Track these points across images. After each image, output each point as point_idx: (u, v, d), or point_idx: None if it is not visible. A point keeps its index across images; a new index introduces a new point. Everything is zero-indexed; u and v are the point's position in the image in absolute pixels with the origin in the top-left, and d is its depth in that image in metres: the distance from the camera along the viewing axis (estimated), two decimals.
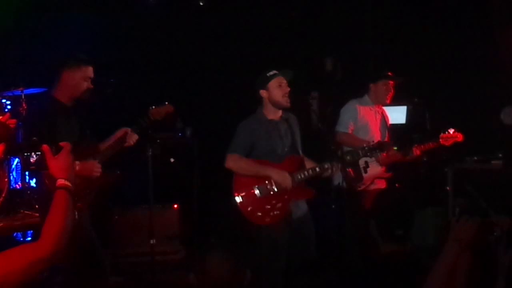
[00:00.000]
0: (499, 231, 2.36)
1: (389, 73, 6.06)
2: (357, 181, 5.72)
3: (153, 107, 4.73)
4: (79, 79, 4.38)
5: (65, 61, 4.43)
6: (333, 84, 8.03)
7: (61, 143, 2.36)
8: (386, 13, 7.90)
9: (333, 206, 5.11)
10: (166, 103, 4.80)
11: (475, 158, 6.73)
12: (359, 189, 5.78)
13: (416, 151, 5.84)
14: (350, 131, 5.91)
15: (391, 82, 6.03)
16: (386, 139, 6.05)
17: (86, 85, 4.40)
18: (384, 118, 6.16)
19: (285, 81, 4.81)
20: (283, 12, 8.01)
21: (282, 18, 8.00)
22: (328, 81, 8.11)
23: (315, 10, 8.07)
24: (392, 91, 6.05)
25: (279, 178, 4.67)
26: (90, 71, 4.43)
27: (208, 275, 5.98)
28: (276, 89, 4.79)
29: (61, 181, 2.28)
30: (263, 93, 4.84)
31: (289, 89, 4.80)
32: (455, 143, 5.87)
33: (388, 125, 6.20)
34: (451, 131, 5.86)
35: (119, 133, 4.61)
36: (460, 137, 5.86)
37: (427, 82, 7.29)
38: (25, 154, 2.35)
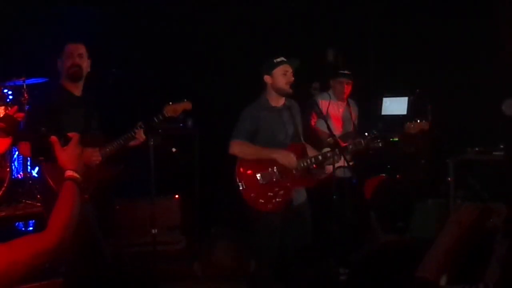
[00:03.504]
0: (496, 218, 2.38)
1: (345, 72, 6.15)
2: (320, 171, 5.70)
3: (170, 103, 4.59)
4: (64, 58, 4.40)
5: (58, 50, 4.45)
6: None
7: (70, 134, 2.36)
8: (388, 4, 7.88)
9: (334, 197, 5.12)
10: (185, 100, 4.66)
11: (477, 149, 6.72)
12: (321, 177, 5.76)
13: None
14: (312, 123, 6.00)
15: (348, 81, 6.14)
16: (351, 130, 6.15)
17: (69, 61, 4.37)
18: (348, 111, 6.24)
19: (290, 70, 4.81)
20: (285, 3, 7.99)
21: (284, 9, 7.98)
22: (330, 72, 8.10)
23: (317, 1, 8.05)
24: (348, 88, 6.21)
25: (284, 159, 4.70)
26: (72, 47, 4.41)
27: (213, 264, 6.01)
28: (281, 77, 4.79)
29: (69, 173, 2.28)
30: (267, 78, 4.85)
31: (293, 79, 4.80)
32: (421, 130, 5.84)
33: (353, 117, 6.28)
34: (418, 120, 5.86)
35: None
36: (426, 125, 5.84)
37: (428, 73, 7.28)
38: (34, 145, 2.35)
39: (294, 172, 4.78)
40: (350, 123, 6.24)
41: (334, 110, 6.21)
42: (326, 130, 5.87)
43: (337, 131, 6.08)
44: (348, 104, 6.32)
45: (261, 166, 4.74)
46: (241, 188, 4.72)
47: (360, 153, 5.88)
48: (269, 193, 4.72)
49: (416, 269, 2.33)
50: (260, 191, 4.72)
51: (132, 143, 4.61)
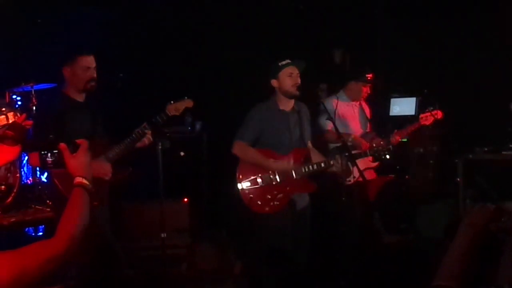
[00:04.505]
0: (507, 218, 2.38)
1: (370, 76, 6.11)
2: (346, 176, 5.70)
3: (172, 102, 4.60)
4: (78, 70, 4.36)
5: (64, 57, 4.44)
6: (341, 76, 8.02)
7: (78, 141, 2.37)
8: (395, 5, 7.87)
9: (344, 199, 5.11)
10: (186, 97, 4.66)
11: (485, 149, 6.70)
12: (349, 183, 5.76)
13: (396, 137, 5.82)
14: (329, 128, 5.96)
15: (369, 84, 6.11)
16: (367, 130, 6.11)
17: (87, 75, 4.36)
18: (362, 110, 6.20)
19: (296, 71, 4.81)
20: (291, 3, 7.99)
21: (290, 9, 7.98)
22: (337, 73, 8.10)
23: (324, 1, 8.04)
24: (366, 93, 6.12)
25: (281, 168, 4.71)
26: (87, 60, 4.39)
27: (199, 265, 6.02)
28: (287, 79, 4.79)
29: (78, 179, 2.29)
30: (274, 82, 4.85)
31: (299, 80, 4.80)
32: (436, 121, 5.84)
33: (368, 117, 6.24)
34: (427, 110, 5.85)
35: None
36: (439, 114, 5.84)
37: (436, 74, 7.27)
38: (42, 152, 2.36)
39: (294, 176, 4.79)
40: (367, 122, 6.20)
41: (349, 111, 6.15)
42: (348, 131, 5.86)
43: (357, 132, 6.04)
44: (360, 104, 6.28)
45: (262, 169, 4.75)
46: (240, 188, 4.74)
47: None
48: (267, 196, 4.73)
49: (421, 274, 2.33)
50: (258, 193, 4.73)
51: (138, 144, 4.62)
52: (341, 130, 5.88)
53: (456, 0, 7.47)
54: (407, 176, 6.40)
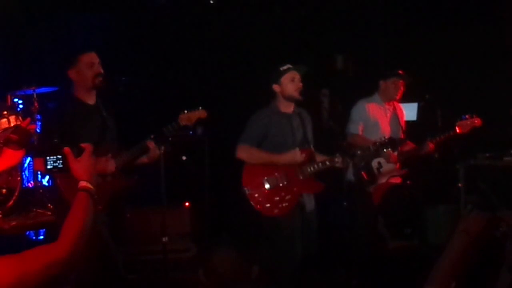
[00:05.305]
0: (505, 227, 2.37)
1: (400, 72, 6.06)
2: (371, 183, 5.70)
3: (185, 111, 4.52)
4: (83, 69, 4.32)
5: (66, 60, 4.42)
6: (344, 81, 8.02)
7: (83, 145, 2.37)
8: (397, 10, 7.87)
9: (345, 203, 5.12)
10: (200, 107, 4.57)
11: (487, 154, 6.69)
12: (369, 190, 5.76)
13: (430, 145, 5.78)
14: (360, 132, 5.92)
15: (402, 80, 6.04)
16: (400, 136, 6.06)
17: (92, 71, 4.31)
18: (396, 115, 6.16)
19: (298, 76, 4.84)
20: (293, 9, 8.00)
21: (292, 15, 7.99)
22: (339, 78, 8.10)
23: (326, 6, 8.05)
24: (402, 89, 6.06)
25: (290, 158, 4.71)
26: (90, 57, 4.34)
27: (216, 271, 6.01)
28: (289, 84, 4.83)
29: (83, 183, 2.29)
30: (276, 87, 4.88)
31: (301, 84, 4.83)
32: (473, 130, 5.77)
33: (402, 122, 6.20)
34: (467, 117, 5.77)
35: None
36: (478, 121, 5.77)
37: (438, 79, 7.26)
38: (47, 157, 2.36)
39: (300, 177, 4.80)
40: (399, 129, 6.16)
41: (381, 114, 6.10)
42: (378, 135, 5.82)
43: (386, 136, 6.02)
44: (394, 108, 6.24)
45: (267, 171, 4.77)
46: (247, 192, 4.75)
47: (412, 158, 5.87)
48: (275, 198, 4.74)
49: (425, 280, 2.32)
50: (266, 195, 4.74)
51: (144, 159, 4.59)
52: (371, 133, 5.87)
53: (457, 4, 7.48)
54: (408, 182, 6.38)
